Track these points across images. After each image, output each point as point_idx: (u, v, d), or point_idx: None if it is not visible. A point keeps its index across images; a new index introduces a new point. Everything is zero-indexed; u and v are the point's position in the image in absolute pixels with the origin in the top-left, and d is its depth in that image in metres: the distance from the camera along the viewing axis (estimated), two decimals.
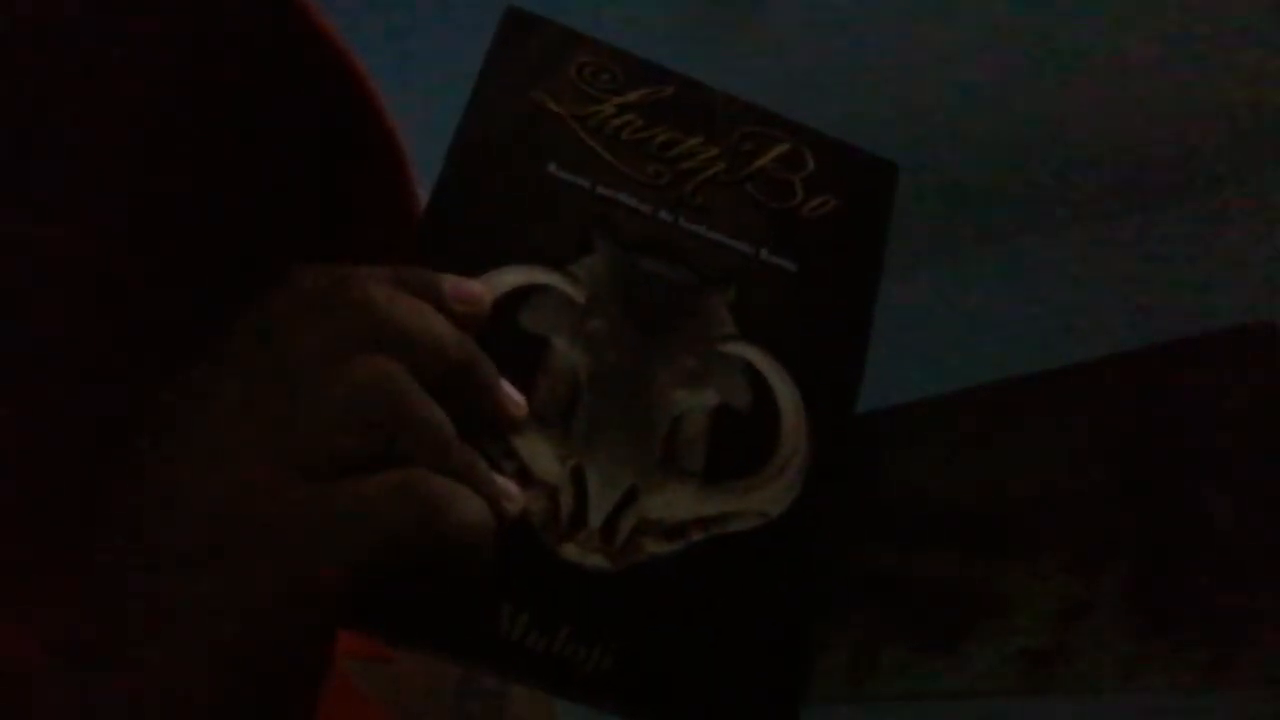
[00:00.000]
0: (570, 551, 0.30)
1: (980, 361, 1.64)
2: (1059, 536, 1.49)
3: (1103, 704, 1.39)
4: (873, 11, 1.40)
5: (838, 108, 1.25)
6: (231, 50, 0.37)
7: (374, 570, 0.25)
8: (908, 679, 1.52)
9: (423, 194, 0.38)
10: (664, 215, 0.34)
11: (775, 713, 0.30)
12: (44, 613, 0.28)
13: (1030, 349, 1.60)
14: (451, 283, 0.30)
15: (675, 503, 0.31)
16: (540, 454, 0.30)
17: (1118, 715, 1.37)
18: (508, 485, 0.29)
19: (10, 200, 0.35)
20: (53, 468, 0.34)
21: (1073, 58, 1.43)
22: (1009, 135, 1.57)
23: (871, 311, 0.35)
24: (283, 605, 0.25)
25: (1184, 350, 1.51)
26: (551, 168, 0.34)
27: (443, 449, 0.27)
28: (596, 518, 0.30)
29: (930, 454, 1.64)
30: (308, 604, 0.25)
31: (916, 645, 1.53)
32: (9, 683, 0.25)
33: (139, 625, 0.25)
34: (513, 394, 0.30)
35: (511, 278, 0.33)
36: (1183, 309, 1.51)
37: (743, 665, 0.30)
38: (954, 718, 1.50)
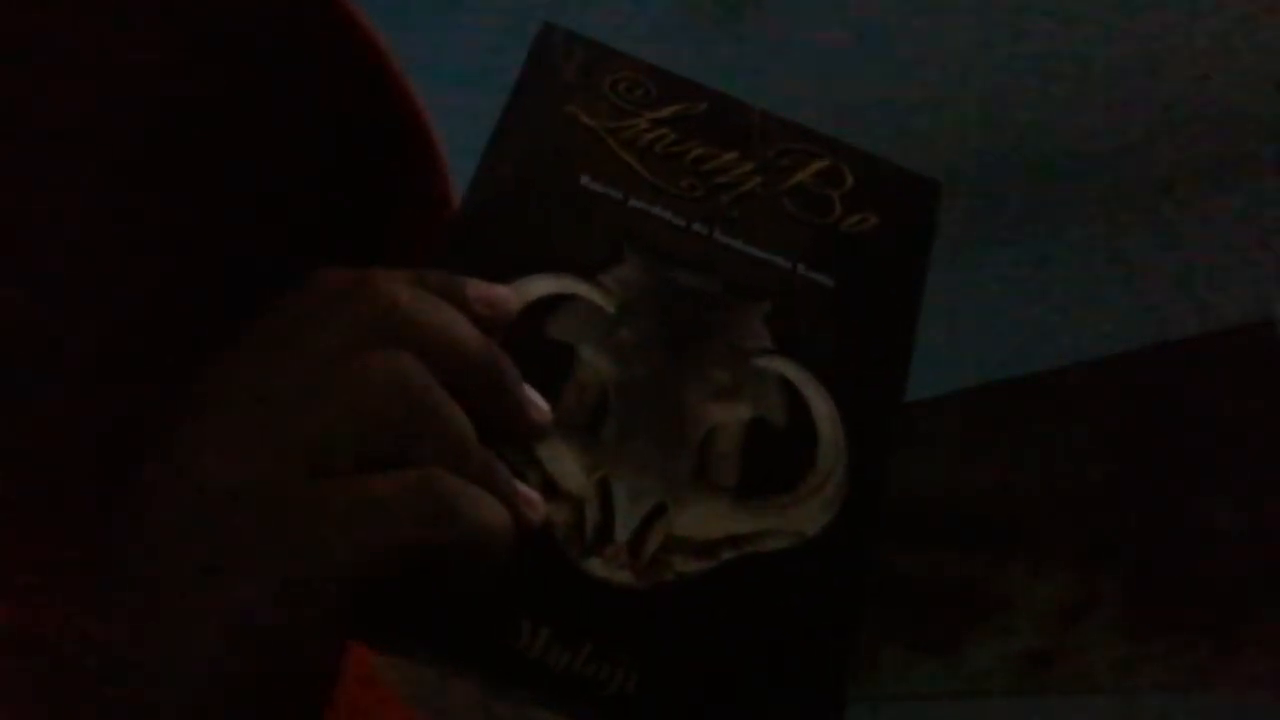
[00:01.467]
0: (595, 566, 0.29)
1: (980, 362, 1.64)
2: (1059, 536, 1.49)
3: (1102, 704, 1.39)
4: (874, 10, 1.39)
5: (838, 106, 1.25)
6: (259, 41, 0.36)
7: (381, 571, 0.25)
8: (908, 679, 1.52)
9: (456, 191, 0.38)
10: (698, 228, 0.34)
11: None
12: (50, 612, 0.27)
13: (1030, 349, 1.60)
14: (476, 286, 0.29)
15: (706, 519, 0.30)
16: (566, 464, 0.29)
17: (1118, 715, 1.37)
18: (529, 493, 0.29)
19: (28, 184, 0.35)
20: (64, 467, 0.34)
21: (1073, 58, 1.43)
22: (1007, 135, 1.57)
23: (914, 330, 0.34)
24: (281, 605, 0.24)
25: (1184, 350, 1.51)
26: (584, 180, 0.34)
27: (461, 449, 0.27)
28: (623, 532, 0.29)
29: (930, 454, 1.64)
30: (308, 604, 0.24)
31: (916, 645, 1.54)
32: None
33: (138, 625, 0.24)
34: (537, 400, 0.30)
35: (539, 286, 0.32)
36: (1183, 309, 1.51)
37: (776, 691, 0.29)
38: (954, 718, 1.50)
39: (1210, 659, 1.32)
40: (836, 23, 1.45)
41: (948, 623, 1.54)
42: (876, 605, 0.31)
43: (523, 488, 0.28)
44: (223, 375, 0.27)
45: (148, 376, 0.34)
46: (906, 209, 0.36)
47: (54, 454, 0.34)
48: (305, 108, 0.38)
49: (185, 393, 0.27)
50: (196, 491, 0.25)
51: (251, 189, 0.38)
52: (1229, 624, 1.32)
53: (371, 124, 0.39)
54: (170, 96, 0.36)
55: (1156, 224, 1.65)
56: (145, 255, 0.36)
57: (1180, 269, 1.59)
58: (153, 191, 0.37)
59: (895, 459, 0.31)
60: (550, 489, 0.29)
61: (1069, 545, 1.47)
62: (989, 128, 1.59)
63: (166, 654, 0.24)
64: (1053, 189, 1.68)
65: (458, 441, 0.27)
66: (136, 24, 0.36)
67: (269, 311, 0.27)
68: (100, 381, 0.35)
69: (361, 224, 0.39)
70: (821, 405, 0.32)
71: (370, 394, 0.25)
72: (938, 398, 1.71)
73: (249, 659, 0.24)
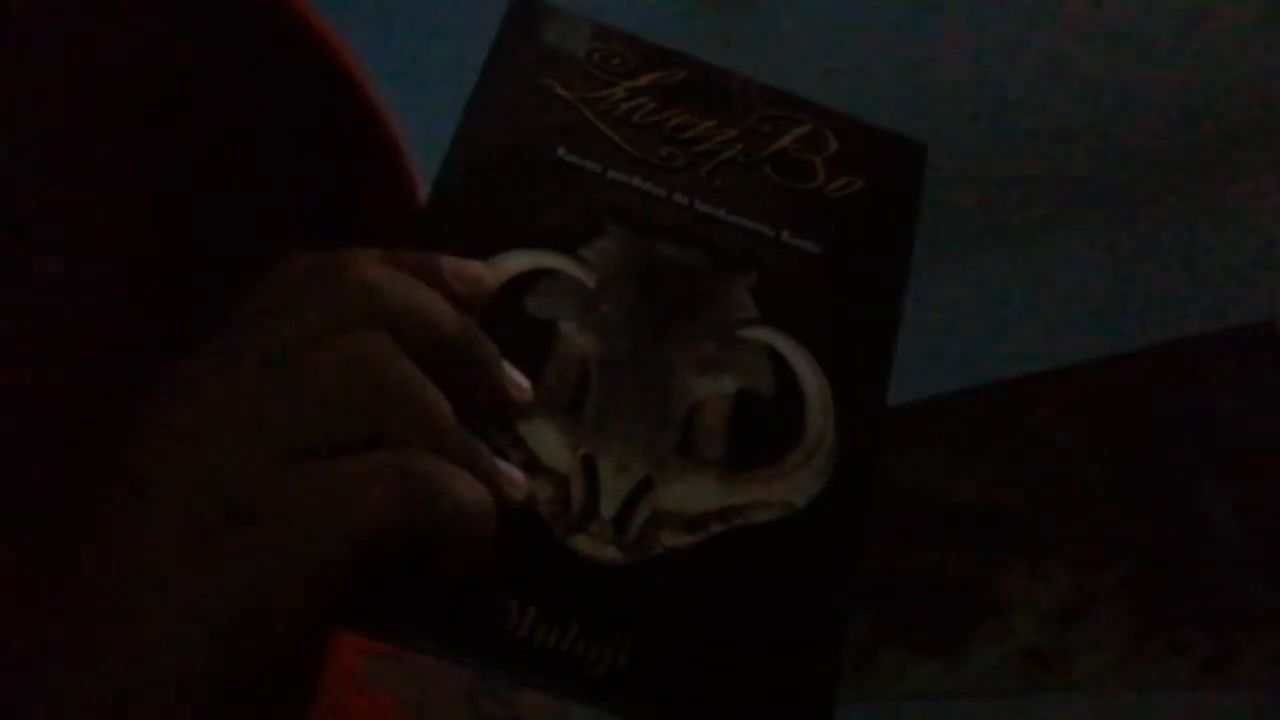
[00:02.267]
0: (581, 543, 0.28)
1: (980, 361, 1.63)
2: (1059, 536, 1.49)
3: (1102, 704, 1.39)
4: (878, 8, 1.39)
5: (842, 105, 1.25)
6: (216, 43, 0.36)
7: (359, 555, 0.25)
8: (908, 679, 1.52)
9: (423, 185, 0.38)
10: (679, 198, 0.33)
11: (804, 717, 0.28)
12: (25, 611, 0.27)
13: (1030, 349, 1.60)
14: (451, 263, 0.29)
15: (693, 493, 0.29)
16: (549, 441, 0.29)
17: (1118, 715, 1.37)
18: (511, 470, 0.28)
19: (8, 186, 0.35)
20: (39, 461, 0.34)
21: (1076, 58, 1.43)
22: (1005, 135, 1.57)
23: (902, 295, 0.33)
24: (259, 596, 0.24)
25: (1184, 350, 1.51)
26: (561, 152, 0.33)
27: (437, 429, 0.26)
28: (609, 508, 0.29)
29: (930, 454, 1.64)
30: (286, 594, 0.24)
31: (916, 645, 1.53)
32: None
33: (111, 624, 0.24)
34: (517, 378, 0.29)
35: (517, 262, 0.31)
36: (1183, 309, 1.51)
37: (768, 665, 0.28)
38: (954, 718, 1.50)
39: (1210, 659, 1.32)
40: (838, 20, 1.45)
41: (948, 623, 1.54)
42: (876, 605, 0.30)
43: (504, 466, 0.28)
44: (198, 365, 0.26)
45: (118, 363, 0.33)
46: (892, 172, 0.35)
47: (18, 437, 0.34)
48: (259, 109, 0.38)
49: (165, 382, 0.26)
50: (170, 484, 0.25)
51: (216, 184, 0.38)
52: (1229, 624, 1.32)
53: (328, 124, 0.38)
54: (136, 94, 0.36)
55: (1157, 224, 1.65)
56: (112, 267, 0.36)
57: (1180, 269, 1.59)
58: (112, 202, 0.36)
59: (885, 427, 0.31)
60: (533, 467, 0.29)
61: (1069, 545, 1.47)
62: (988, 127, 1.59)
63: (144, 651, 0.24)
64: (1052, 189, 1.68)
65: (433, 421, 0.26)
66: (111, 19, 0.36)
67: (242, 299, 0.27)
68: (54, 392, 0.35)
69: (326, 223, 0.39)
70: (809, 375, 0.31)
71: (341, 377, 0.25)
72: (938, 398, 1.71)
73: (230, 653, 0.24)
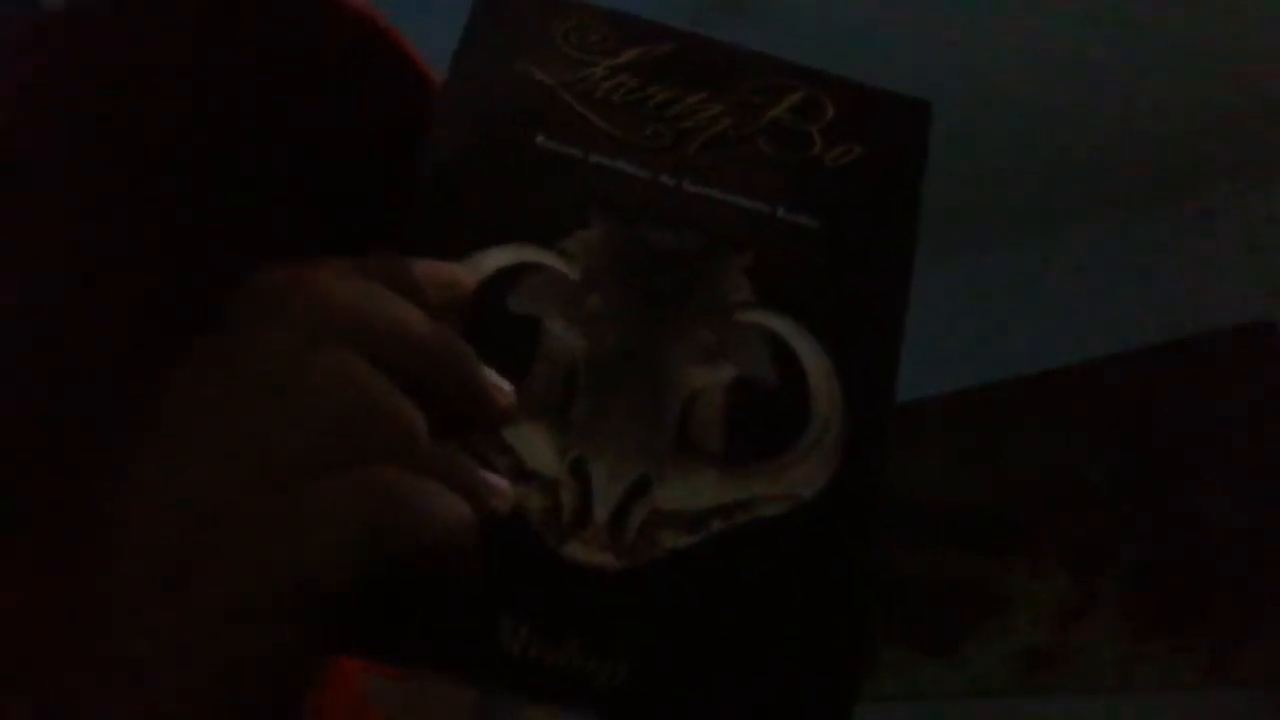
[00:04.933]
0: (575, 551, 0.27)
1: (980, 362, 1.63)
2: (1059, 536, 1.49)
3: (1102, 704, 1.38)
4: (878, 12, 1.39)
5: None
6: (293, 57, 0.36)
7: (336, 575, 0.24)
8: (908, 679, 1.52)
9: None
10: (666, 179, 0.31)
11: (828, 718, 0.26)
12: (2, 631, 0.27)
13: (1030, 349, 1.60)
14: (424, 268, 0.28)
15: (693, 490, 0.27)
16: (537, 447, 0.27)
17: (1118, 715, 1.37)
18: (494, 480, 0.27)
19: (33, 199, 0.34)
20: (16, 464, 0.33)
21: (1074, 59, 1.43)
22: (1007, 135, 1.57)
23: (909, 266, 0.31)
24: (236, 625, 0.23)
25: (1184, 350, 1.51)
26: (540, 140, 0.31)
27: (411, 443, 0.25)
28: (602, 512, 0.27)
29: (929, 454, 1.64)
30: (263, 620, 0.23)
31: (916, 645, 1.53)
32: None
33: (81, 654, 0.24)
34: (499, 383, 0.28)
35: (496, 258, 0.29)
36: (1182, 309, 1.50)
37: (782, 671, 0.26)
38: (954, 718, 1.50)
39: (1210, 659, 1.31)
40: (841, 17, 1.45)
41: (948, 623, 1.53)
42: (876, 605, 0.28)
43: (487, 475, 0.26)
44: (176, 391, 0.26)
45: (123, 375, 0.33)
46: (894, 136, 0.32)
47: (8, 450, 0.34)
48: (332, 113, 0.37)
49: (149, 408, 0.26)
50: (149, 514, 0.24)
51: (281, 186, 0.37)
52: (1229, 624, 1.31)
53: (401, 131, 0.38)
54: (199, 105, 0.35)
55: (1157, 223, 1.65)
56: (139, 267, 0.36)
57: (1180, 269, 1.59)
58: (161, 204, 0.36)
59: (896, 411, 0.29)
60: (522, 474, 0.26)
61: (1069, 545, 1.47)
62: (988, 127, 1.59)
63: (126, 680, 0.23)
64: (1053, 189, 1.68)
65: (406, 436, 0.25)
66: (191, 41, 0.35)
67: (214, 321, 0.26)
68: (67, 380, 0.35)
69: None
70: (813, 359, 0.29)
71: (310, 397, 0.24)
72: (938, 398, 1.71)
73: (214, 682, 0.23)
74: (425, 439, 0.25)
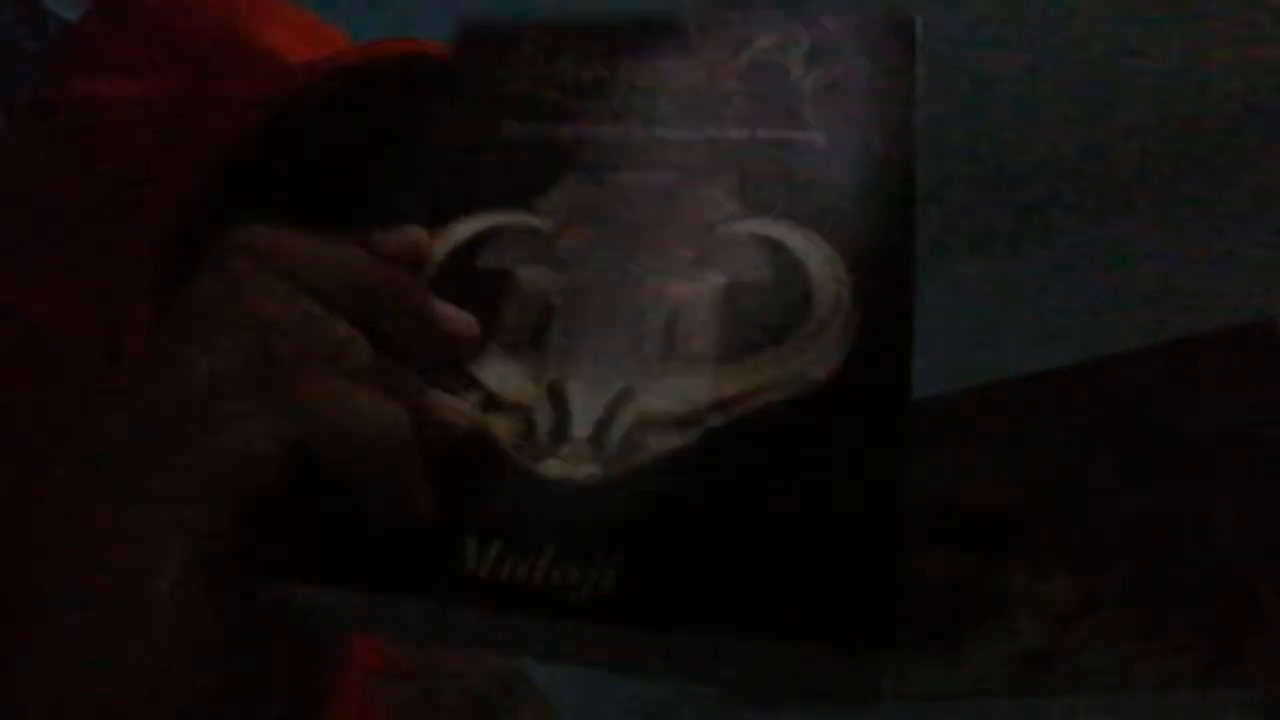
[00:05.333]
0: (553, 468, 0.26)
1: (980, 362, 1.63)
2: (1059, 536, 1.48)
3: (1102, 704, 1.38)
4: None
5: None
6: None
7: (240, 476, 0.24)
8: (908, 679, 1.52)
9: None
10: (637, 132, 0.31)
11: (867, 614, 0.23)
12: None
13: (1030, 349, 1.60)
14: (386, 232, 0.28)
15: (685, 390, 0.25)
16: (510, 380, 0.26)
17: (1117, 716, 1.37)
18: (449, 399, 0.26)
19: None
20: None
21: (1074, 59, 1.43)
22: (1006, 135, 1.57)
23: (911, 166, 0.30)
24: (155, 507, 0.23)
25: (1184, 350, 1.51)
26: (507, 124, 0.31)
27: (345, 356, 0.24)
28: (583, 428, 0.26)
29: (929, 453, 1.64)
30: (170, 508, 0.23)
31: (916, 645, 1.53)
32: None
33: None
34: (461, 315, 0.27)
35: (467, 228, 0.29)
36: (1183, 309, 1.50)
37: (796, 572, 0.23)
38: (954, 718, 1.50)
39: (1210, 659, 1.31)
40: None
41: (948, 623, 1.53)
42: (905, 509, 0.24)
43: (440, 395, 0.25)
44: (151, 328, 0.27)
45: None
46: (878, 50, 0.32)
47: None
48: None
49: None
50: (106, 423, 0.26)
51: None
52: (1229, 624, 1.31)
53: None
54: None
55: (1156, 224, 1.65)
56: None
57: (1180, 269, 1.59)
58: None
59: (915, 292, 0.27)
60: (492, 406, 0.26)
61: (1069, 545, 1.47)
62: (987, 126, 1.58)
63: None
64: (1052, 189, 1.68)
65: (336, 348, 0.24)
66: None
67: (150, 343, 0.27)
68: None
69: None
70: (809, 248, 0.28)
71: (235, 320, 0.25)
72: (938, 397, 1.71)
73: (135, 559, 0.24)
74: (363, 355, 0.25)
